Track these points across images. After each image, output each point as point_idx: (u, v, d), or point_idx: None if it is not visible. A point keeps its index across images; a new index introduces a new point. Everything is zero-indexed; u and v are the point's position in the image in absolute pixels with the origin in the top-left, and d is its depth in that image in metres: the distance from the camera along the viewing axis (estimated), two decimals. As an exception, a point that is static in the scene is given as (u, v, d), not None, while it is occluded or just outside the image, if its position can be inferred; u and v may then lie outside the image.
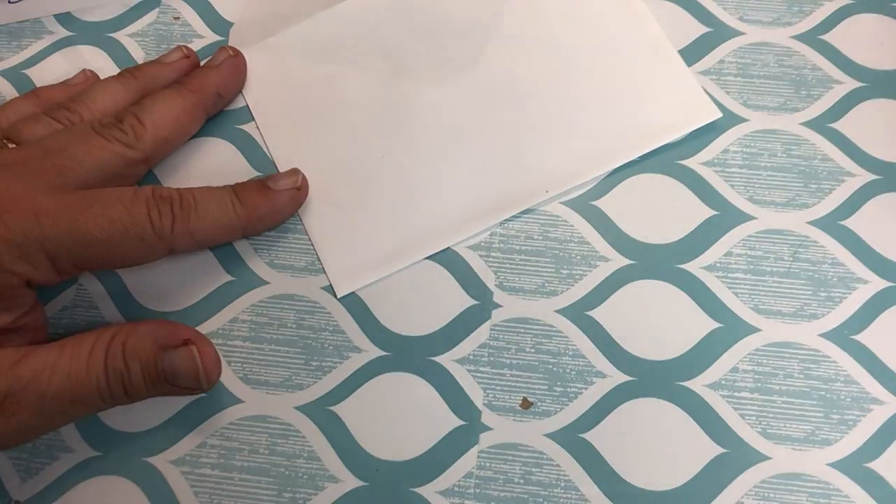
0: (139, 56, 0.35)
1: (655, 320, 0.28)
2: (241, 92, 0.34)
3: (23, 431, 0.24)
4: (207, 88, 0.32)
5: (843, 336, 0.28)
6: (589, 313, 0.29)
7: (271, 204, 0.29)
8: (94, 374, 0.24)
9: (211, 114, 0.33)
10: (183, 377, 0.25)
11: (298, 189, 0.30)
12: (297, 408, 0.27)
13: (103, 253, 0.25)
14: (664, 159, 0.31)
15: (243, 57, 0.34)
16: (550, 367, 0.28)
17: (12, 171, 0.25)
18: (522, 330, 0.28)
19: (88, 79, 0.33)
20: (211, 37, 0.36)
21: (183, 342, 0.25)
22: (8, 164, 0.25)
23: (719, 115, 0.32)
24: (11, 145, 0.27)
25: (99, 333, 0.25)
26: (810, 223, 0.30)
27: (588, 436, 0.27)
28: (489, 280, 0.29)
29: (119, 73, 0.32)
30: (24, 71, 0.35)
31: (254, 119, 0.33)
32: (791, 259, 0.29)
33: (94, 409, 0.25)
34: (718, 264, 0.29)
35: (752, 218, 0.30)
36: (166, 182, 0.32)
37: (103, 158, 0.27)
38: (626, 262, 0.29)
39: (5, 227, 0.23)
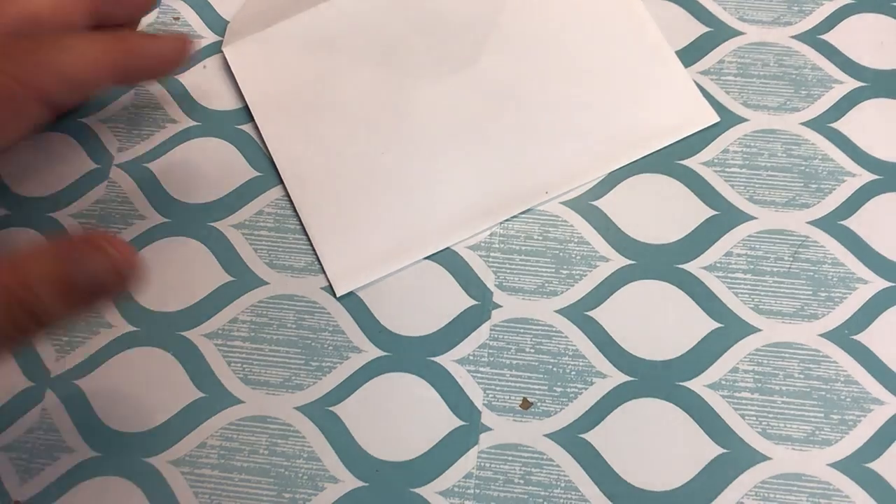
0: (139, 56, 0.35)
1: (655, 320, 0.28)
2: (239, 84, 0.33)
3: None
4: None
5: (844, 336, 0.28)
6: (589, 313, 0.29)
7: (157, 45, 0.27)
8: None
9: (108, 12, 0.28)
10: (101, 277, 0.22)
11: (182, 39, 0.28)
12: (297, 408, 0.27)
13: None
14: (664, 159, 0.31)
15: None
16: (550, 367, 0.28)
17: None
18: (522, 330, 0.28)
19: None
20: (211, 37, 0.36)
21: (86, 244, 0.22)
22: None
23: (717, 119, 0.32)
24: None
25: None
26: (810, 223, 0.30)
27: (588, 436, 0.27)
28: (489, 280, 0.29)
29: None
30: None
31: (253, 119, 0.33)
32: (791, 259, 0.29)
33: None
34: (718, 264, 0.29)
35: (752, 218, 0.30)
36: (165, 180, 0.32)
37: None
38: (626, 262, 0.29)
39: None
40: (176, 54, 0.28)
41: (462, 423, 0.27)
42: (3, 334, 0.22)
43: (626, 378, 0.27)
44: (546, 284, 0.29)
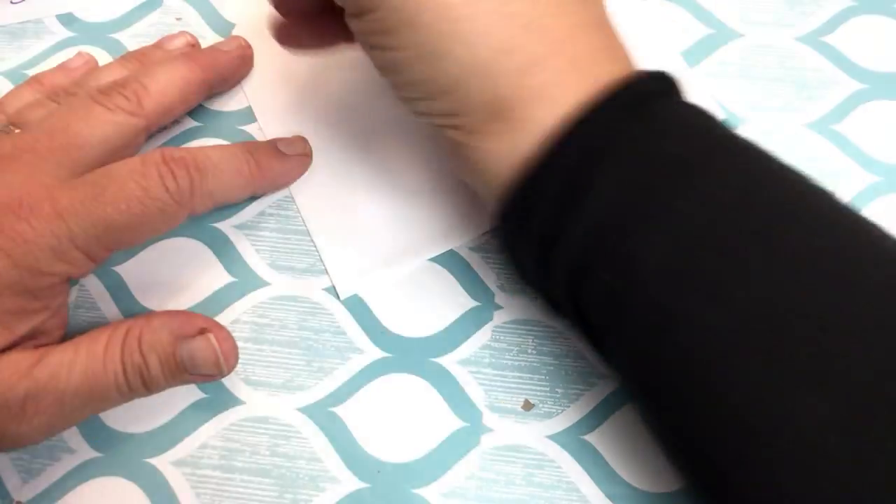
0: (141, 57, 0.35)
1: (657, 322, 0.28)
2: (242, 85, 0.34)
3: (45, 431, 0.24)
4: (215, 68, 0.32)
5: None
6: (591, 315, 0.29)
7: (283, 167, 0.30)
8: (111, 370, 0.24)
9: (212, 93, 0.33)
10: (203, 365, 0.26)
11: (306, 155, 0.31)
12: (299, 409, 0.27)
13: (130, 232, 0.25)
14: (666, 161, 0.31)
15: (252, 50, 0.34)
16: (552, 368, 0.28)
17: (23, 161, 0.25)
18: (524, 331, 0.28)
19: (87, 62, 0.33)
20: (213, 38, 0.36)
21: (199, 331, 0.26)
22: (17, 153, 0.25)
23: (722, 116, 0.32)
24: (17, 131, 0.27)
25: (113, 328, 0.25)
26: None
27: (590, 437, 0.27)
28: (491, 281, 0.29)
29: (121, 57, 0.33)
30: (25, 72, 0.35)
31: (256, 120, 0.33)
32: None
33: (113, 403, 0.25)
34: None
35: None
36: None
37: (106, 131, 0.27)
38: (628, 263, 0.29)
39: (34, 230, 0.23)
40: (299, 173, 0.31)
41: (464, 424, 0.27)
42: (116, 391, 0.25)
43: (628, 379, 0.27)
44: (548, 286, 0.29)
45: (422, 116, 0.25)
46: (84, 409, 0.25)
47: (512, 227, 0.23)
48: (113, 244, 0.25)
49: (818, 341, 0.18)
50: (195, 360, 0.25)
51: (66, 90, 0.30)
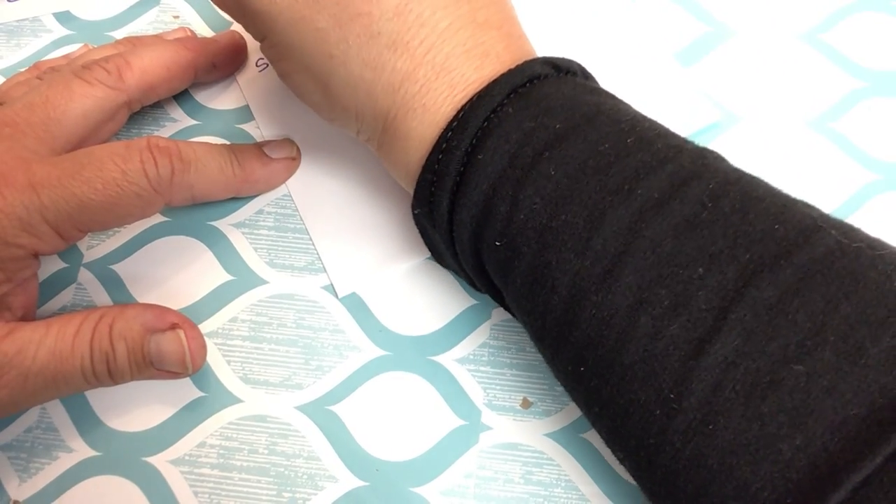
0: (138, 55, 0.35)
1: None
2: (239, 84, 0.34)
3: (7, 405, 0.24)
4: (204, 53, 0.32)
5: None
6: (589, 313, 0.28)
7: (268, 171, 0.30)
8: (78, 354, 0.24)
9: (201, 79, 0.33)
10: (169, 361, 0.26)
11: (293, 159, 0.31)
12: (297, 407, 0.27)
13: (103, 214, 0.25)
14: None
15: (245, 42, 0.34)
16: (551, 366, 0.28)
17: (3, 135, 0.25)
18: (522, 329, 0.28)
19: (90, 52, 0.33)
20: (210, 34, 0.35)
21: (170, 326, 0.26)
22: None
23: (718, 118, 0.32)
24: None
25: (87, 314, 0.25)
26: (811, 223, 0.30)
27: (588, 435, 0.27)
28: (489, 279, 0.29)
29: (117, 40, 0.33)
30: (22, 70, 0.35)
31: (253, 118, 0.33)
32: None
33: (77, 388, 0.25)
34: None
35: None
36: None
37: (85, 104, 0.27)
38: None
39: (4, 200, 0.23)
40: (283, 177, 0.31)
41: (462, 422, 0.27)
42: (81, 375, 0.25)
43: (627, 377, 0.27)
44: (546, 284, 0.29)
45: (347, 133, 0.27)
46: (47, 390, 0.25)
47: (423, 220, 0.25)
48: (85, 224, 0.25)
49: (668, 275, 0.19)
50: (162, 355, 0.26)
51: (53, 69, 0.30)
